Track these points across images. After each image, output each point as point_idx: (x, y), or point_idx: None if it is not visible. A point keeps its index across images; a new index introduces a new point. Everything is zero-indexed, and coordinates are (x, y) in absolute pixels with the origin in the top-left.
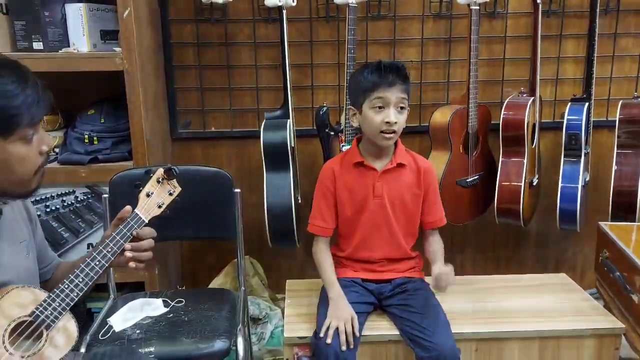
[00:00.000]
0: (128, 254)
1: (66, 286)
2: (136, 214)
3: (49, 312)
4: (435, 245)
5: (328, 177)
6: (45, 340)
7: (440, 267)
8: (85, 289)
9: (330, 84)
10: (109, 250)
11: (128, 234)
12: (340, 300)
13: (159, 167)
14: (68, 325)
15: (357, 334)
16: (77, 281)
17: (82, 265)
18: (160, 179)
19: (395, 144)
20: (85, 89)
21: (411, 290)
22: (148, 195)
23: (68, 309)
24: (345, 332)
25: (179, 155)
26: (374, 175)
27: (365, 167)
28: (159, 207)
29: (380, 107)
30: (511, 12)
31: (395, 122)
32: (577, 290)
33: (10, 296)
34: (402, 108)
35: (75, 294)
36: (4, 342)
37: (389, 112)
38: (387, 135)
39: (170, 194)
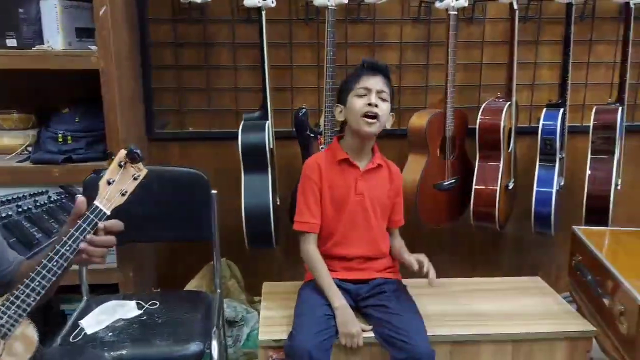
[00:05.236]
0: (82, 244)
1: (21, 292)
2: (95, 206)
3: (4, 321)
4: (401, 242)
5: (315, 172)
6: (3, 350)
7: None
8: (43, 292)
9: (309, 86)
10: (68, 248)
11: (88, 229)
12: (348, 313)
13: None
14: (27, 331)
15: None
16: (33, 285)
17: (38, 268)
18: (122, 163)
19: (372, 147)
20: (59, 87)
21: (388, 291)
22: (109, 183)
23: (25, 315)
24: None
25: (156, 156)
26: (356, 173)
27: (348, 165)
28: (123, 195)
29: (363, 95)
30: (489, 18)
31: (377, 106)
32: (551, 294)
33: None
34: (383, 100)
35: (32, 299)
36: None
37: (371, 96)
38: (370, 120)
39: (135, 179)
